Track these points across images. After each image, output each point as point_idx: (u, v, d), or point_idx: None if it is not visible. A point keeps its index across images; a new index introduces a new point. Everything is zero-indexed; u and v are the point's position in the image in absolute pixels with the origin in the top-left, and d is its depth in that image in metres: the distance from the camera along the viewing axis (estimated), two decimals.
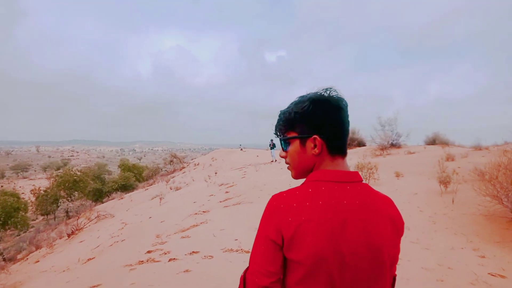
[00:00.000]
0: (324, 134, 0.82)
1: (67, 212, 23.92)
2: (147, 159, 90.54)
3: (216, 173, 16.48)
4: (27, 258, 9.00)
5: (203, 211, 7.00)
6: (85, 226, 10.22)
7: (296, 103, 0.88)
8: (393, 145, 14.29)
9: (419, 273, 3.15)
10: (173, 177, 20.66)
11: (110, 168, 42.73)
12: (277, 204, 0.78)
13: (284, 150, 0.92)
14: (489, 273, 3.06)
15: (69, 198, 27.20)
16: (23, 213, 23.10)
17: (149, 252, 4.56)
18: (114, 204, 15.87)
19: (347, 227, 0.74)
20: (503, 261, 3.33)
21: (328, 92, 0.86)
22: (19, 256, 10.52)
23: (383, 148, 13.98)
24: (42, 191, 26.54)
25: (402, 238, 0.85)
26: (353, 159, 11.83)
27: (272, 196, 0.82)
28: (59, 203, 26.06)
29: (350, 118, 0.87)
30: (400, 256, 0.88)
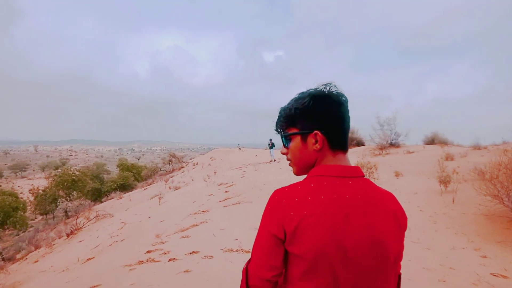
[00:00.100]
0: (325, 130, 0.82)
1: (66, 211, 23.83)
2: (146, 159, 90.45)
3: (215, 172, 16.45)
4: (26, 258, 8.98)
5: (203, 211, 6.98)
6: (84, 226, 10.19)
7: (296, 99, 0.88)
8: (392, 145, 14.29)
9: (421, 273, 3.14)
10: (172, 176, 20.63)
11: (108, 168, 42.65)
12: (279, 199, 0.78)
13: (285, 146, 0.92)
14: (491, 274, 3.06)
15: (67, 197, 27.12)
16: (22, 213, 23.05)
17: (148, 252, 4.54)
18: (113, 204, 15.83)
19: (349, 222, 0.74)
20: (505, 261, 3.32)
21: (328, 87, 0.86)
22: (18, 256, 10.48)
23: (382, 147, 13.98)
24: (40, 191, 26.48)
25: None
26: (352, 158, 11.70)
27: (274, 191, 0.82)
28: (58, 203, 25.95)
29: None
30: None
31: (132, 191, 20.78)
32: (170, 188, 14.19)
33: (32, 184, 33.84)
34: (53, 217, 26.10)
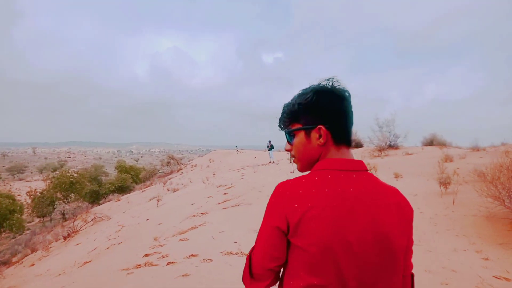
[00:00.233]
0: (329, 124, 0.83)
1: (63, 214, 23.69)
2: (144, 161, 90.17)
3: (214, 174, 16.39)
4: (22, 261, 8.87)
5: (202, 213, 6.92)
6: (81, 229, 10.10)
7: (299, 95, 0.88)
8: (390, 146, 14.31)
9: (422, 276, 3.10)
10: (171, 178, 20.56)
11: (107, 170, 42.41)
12: (283, 191, 0.78)
13: (289, 142, 0.92)
14: (493, 276, 3.02)
15: (65, 200, 26.94)
16: (19, 215, 22.82)
17: (146, 255, 4.47)
18: (111, 206, 15.73)
19: (354, 215, 0.73)
20: (507, 264, 3.28)
21: (330, 82, 0.87)
22: (14, 259, 10.37)
23: (381, 149, 13.99)
24: (38, 193, 26.28)
25: None
26: None
27: (278, 183, 0.82)
28: (55, 205, 25.78)
29: None
30: None
31: (130, 193, 20.68)
32: (168, 190, 14.12)
33: (29, 186, 33.63)
34: (50, 220, 25.88)
